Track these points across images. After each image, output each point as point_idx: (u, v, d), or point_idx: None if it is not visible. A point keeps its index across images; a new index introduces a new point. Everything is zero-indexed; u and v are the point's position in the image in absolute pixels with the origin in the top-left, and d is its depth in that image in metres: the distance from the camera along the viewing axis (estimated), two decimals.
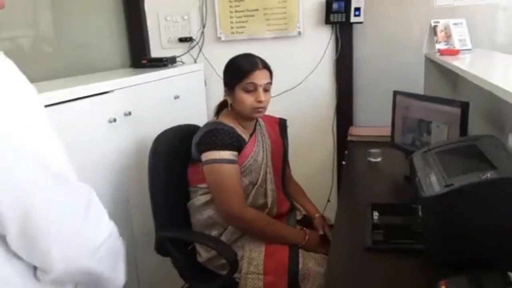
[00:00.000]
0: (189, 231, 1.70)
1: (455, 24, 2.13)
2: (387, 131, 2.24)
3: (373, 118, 2.47)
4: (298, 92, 2.58)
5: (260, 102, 1.60)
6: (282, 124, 1.85)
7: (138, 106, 1.89)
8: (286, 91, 2.57)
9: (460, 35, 2.12)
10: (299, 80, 2.57)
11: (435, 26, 2.15)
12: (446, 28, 2.14)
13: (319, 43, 2.52)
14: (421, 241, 1.13)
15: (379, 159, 1.93)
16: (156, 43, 2.69)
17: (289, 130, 1.90)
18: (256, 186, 1.65)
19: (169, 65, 2.41)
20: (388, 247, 1.16)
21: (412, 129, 1.74)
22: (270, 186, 1.67)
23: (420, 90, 2.25)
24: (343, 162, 2.34)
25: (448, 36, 2.15)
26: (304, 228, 1.71)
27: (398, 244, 1.16)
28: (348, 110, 2.56)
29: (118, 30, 2.61)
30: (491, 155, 1.17)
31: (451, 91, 2.25)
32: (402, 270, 1.09)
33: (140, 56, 2.57)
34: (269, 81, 1.65)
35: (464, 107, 1.44)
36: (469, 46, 2.11)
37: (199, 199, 1.65)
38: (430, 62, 2.24)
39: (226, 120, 1.65)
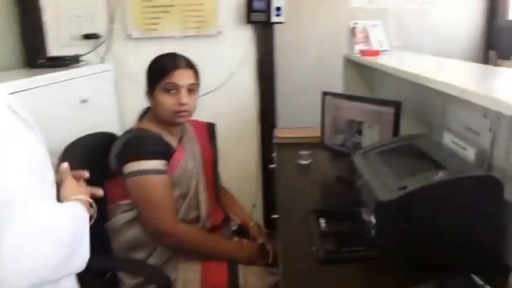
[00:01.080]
0: (108, 257, 1.47)
1: (373, 25, 2.19)
2: (313, 132, 2.23)
3: (297, 120, 2.45)
4: (220, 95, 2.45)
5: (182, 104, 1.45)
6: (210, 129, 1.71)
7: (36, 113, 1.59)
8: (206, 93, 2.41)
9: (377, 36, 2.18)
10: (220, 82, 2.44)
11: (353, 28, 2.18)
12: (364, 30, 2.19)
13: (240, 43, 2.42)
14: (375, 247, 1.09)
15: (309, 161, 1.89)
16: (55, 39, 2.35)
17: None
18: (188, 198, 1.49)
19: (72, 65, 2.11)
20: (342, 256, 1.09)
21: (342, 130, 1.72)
22: (202, 197, 1.52)
23: (339, 90, 2.28)
24: (270, 166, 2.28)
25: (366, 37, 2.20)
26: (243, 240, 1.60)
27: (352, 253, 1.10)
28: (272, 112, 2.50)
29: (9, 24, 2.23)
30: (434, 154, 1.17)
31: (368, 91, 2.31)
32: (360, 280, 1.03)
33: (36, 55, 2.22)
34: (193, 81, 1.50)
35: (397, 106, 1.45)
36: (387, 47, 2.18)
37: (119, 218, 1.44)
38: (349, 63, 2.28)
39: (150, 125, 1.47)
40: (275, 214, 1.62)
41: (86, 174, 1.06)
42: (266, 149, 2.53)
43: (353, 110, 1.66)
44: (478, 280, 0.87)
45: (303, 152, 1.90)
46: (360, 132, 1.63)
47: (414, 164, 1.19)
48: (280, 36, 2.43)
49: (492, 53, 2.53)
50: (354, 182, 1.33)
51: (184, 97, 1.45)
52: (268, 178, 2.56)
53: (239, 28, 2.39)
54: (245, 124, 2.53)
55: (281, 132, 2.31)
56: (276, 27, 2.39)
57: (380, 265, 1.05)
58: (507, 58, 2.37)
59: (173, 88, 1.44)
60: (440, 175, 0.99)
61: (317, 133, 2.21)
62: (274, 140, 2.26)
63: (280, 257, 1.17)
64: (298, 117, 2.44)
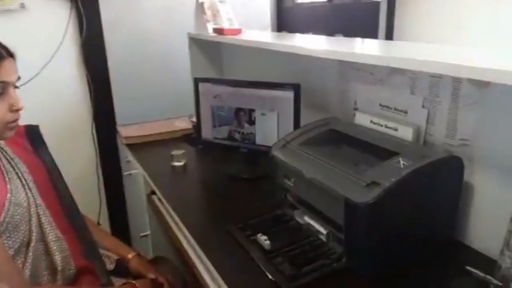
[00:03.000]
0: None
1: (221, 1, 1.97)
2: (167, 127, 1.91)
3: (138, 114, 2.05)
4: (32, 90, 1.83)
5: (18, 110, 1.00)
6: (31, 134, 1.20)
7: None
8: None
9: (227, 14, 1.99)
10: (30, 73, 1.83)
11: (202, 3, 1.93)
12: (213, 6, 1.96)
13: (55, 21, 1.85)
14: (344, 257, 0.93)
15: (183, 162, 1.59)
16: None
17: None
18: (32, 245, 1.02)
19: None
20: (312, 277, 0.89)
21: (226, 120, 1.48)
22: (52, 235, 1.06)
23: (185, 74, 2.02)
24: (126, 173, 1.87)
25: (214, 15, 1.97)
26: (130, 281, 1.21)
27: (317, 271, 0.91)
28: (109, 106, 2.03)
29: None
30: (368, 138, 1.08)
31: (218, 73, 2.12)
32: None
33: None
34: (18, 74, 1.04)
35: (296, 90, 1.30)
36: (237, 26, 2.01)
37: None
38: (196, 43, 2.02)
39: None
40: (126, 230, 1.30)
41: None
42: (106, 152, 2.06)
43: (239, 97, 1.44)
44: (478, 272, 0.82)
45: (177, 152, 1.59)
46: (251, 122, 1.43)
47: (356, 152, 1.08)
48: (110, 12, 1.96)
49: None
50: (275, 179, 1.14)
51: (17, 98, 0.99)
52: (115, 187, 2.11)
53: (51, 1, 1.82)
54: (76, 125, 2.00)
55: (127, 131, 1.90)
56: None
57: (353, 277, 0.90)
58: None
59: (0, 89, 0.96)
60: (404, 163, 0.90)
61: (174, 126, 1.92)
62: (125, 141, 1.84)
63: None
64: (140, 110, 2.06)
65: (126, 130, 1.90)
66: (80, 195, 2.05)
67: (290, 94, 1.32)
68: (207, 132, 1.55)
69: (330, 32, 2.13)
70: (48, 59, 1.86)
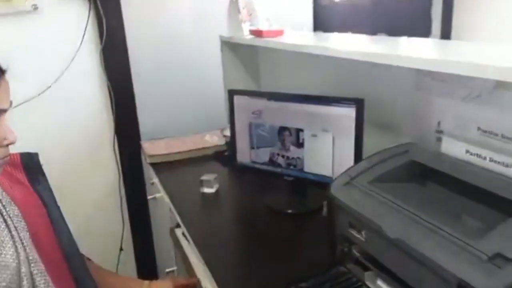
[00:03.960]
0: None
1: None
2: (199, 143, 1.67)
3: (165, 127, 1.83)
4: (47, 101, 1.64)
5: (9, 144, 0.78)
6: (28, 164, 0.95)
7: None
8: (25, 101, 1.59)
9: (264, 13, 1.72)
10: (44, 83, 1.62)
11: (236, 1, 1.67)
12: (248, 4, 1.70)
13: (72, 24, 1.65)
14: None
15: (215, 188, 1.34)
16: None
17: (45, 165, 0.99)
18: None
19: None
20: None
21: (267, 141, 1.22)
22: None
23: (218, 84, 1.78)
24: (150, 197, 1.64)
25: (250, 14, 1.71)
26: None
27: None
28: (132, 119, 1.81)
29: None
30: (471, 179, 0.79)
31: (255, 83, 1.87)
32: None
33: None
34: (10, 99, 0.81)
35: (359, 106, 1.02)
36: (277, 26, 1.74)
37: None
38: (228, 47, 1.77)
39: None
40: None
41: None
42: (129, 170, 1.84)
43: (283, 114, 1.17)
44: None
45: (207, 177, 1.34)
46: (298, 144, 1.16)
47: (455, 197, 0.79)
48: (131, 13, 1.74)
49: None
50: (334, 225, 0.87)
51: (10, 129, 0.76)
52: (139, 210, 1.89)
53: (67, 2, 1.61)
54: (95, 138, 1.79)
55: (152, 147, 1.66)
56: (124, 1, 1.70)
57: None
58: None
59: None
60: None
61: (204, 142, 1.67)
62: (148, 160, 1.61)
63: None
64: (166, 123, 1.83)
65: (151, 146, 1.67)
66: (101, 217, 1.87)
67: (350, 112, 1.04)
68: (244, 155, 1.29)
69: (372, 31, 1.83)
70: (64, 67, 1.65)
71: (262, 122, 1.22)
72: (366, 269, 0.84)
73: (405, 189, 0.83)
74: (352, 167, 0.92)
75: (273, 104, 1.18)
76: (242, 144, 1.28)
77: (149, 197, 1.63)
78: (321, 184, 1.13)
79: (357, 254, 0.86)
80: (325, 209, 1.14)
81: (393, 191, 0.80)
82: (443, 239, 0.65)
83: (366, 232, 0.79)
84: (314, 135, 1.12)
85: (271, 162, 1.23)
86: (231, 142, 1.31)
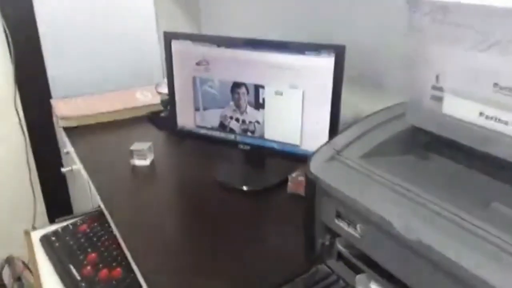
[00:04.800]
0: None
1: None
2: (126, 102, 1.35)
3: (83, 82, 1.48)
4: None
5: None
6: None
7: None
8: None
9: None
10: None
11: None
12: None
13: None
14: None
15: (149, 160, 1.07)
16: None
17: None
18: None
19: None
20: None
21: (217, 101, 0.96)
22: None
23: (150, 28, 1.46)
24: (65, 169, 1.32)
25: None
26: None
27: None
28: (38, 69, 1.43)
29: None
30: (498, 151, 0.59)
31: (195, 25, 1.57)
32: None
33: None
34: None
35: (339, 55, 0.79)
36: None
37: None
38: None
39: None
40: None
41: None
42: (38, 136, 1.49)
43: (238, 65, 0.91)
44: None
45: (138, 146, 1.06)
46: (257, 105, 0.91)
47: (476, 176, 0.59)
48: None
49: None
50: (313, 208, 0.65)
51: None
52: (54, 186, 1.56)
53: None
54: None
55: (65, 107, 1.33)
56: None
57: None
58: None
59: None
60: None
61: (134, 101, 1.36)
62: (60, 124, 1.28)
63: None
64: (85, 77, 1.48)
65: (64, 106, 1.33)
66: (6, 193, 1.51)
67: (327, 62, 0.80)
68: (187, 118, 1.02)
69: None
70: None
71: (209, 76, 0.95)
72: (357, 270, 0.64)
73: (411, 165, 0.63)
74: (336, 136, 0.69)
75: (225, 52, 0.91)
76: (184, 104, 1.00)
77: (63, 169, 1.30)
78: (286, 154, 0.91)
79: (343, 250, 0.66)
80: (290, 184, 0.93)
81: (395, 169, 0.59)
82: (477, 238, 0.45)
83: (362, 227, 0.58)
84: (279, 93, 0.88)
85: (222, 127, 0.97)
86: (170, 102, 1.02)
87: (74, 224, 1.05)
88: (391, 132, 0.67)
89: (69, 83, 1.46)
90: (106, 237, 1.00)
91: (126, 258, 0.82)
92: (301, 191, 0.90)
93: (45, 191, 1.54)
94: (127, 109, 1.34)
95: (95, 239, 1.00)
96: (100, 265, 0.91)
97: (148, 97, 1.41)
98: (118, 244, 0.89)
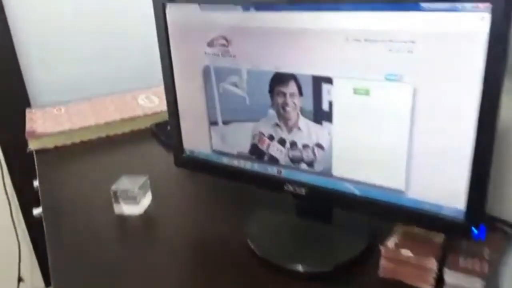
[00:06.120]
0: None
1: None
2: (121, 110, 0.97)
3: (65, 87, 1.11)
4: None
5: None
6: None
7: None
8: None
9: None
10: None
11: None
12: None
13: None
14: None
15: (142, 207, 0.68)
16: None
17: None
18: None
19: None
20: None
21: (246, 110, 0.55)
22: None
23: None
24: (35, 211, 0.96)
25: None
26: None
27: None
28: (14, 76, 1.08)
29: None
30: None
31: None
32: None
33: None
34: None
35: (500, 10, 0.36)
36: None
37: None
38: None
39: None
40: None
41: None
42: (14, 155, 1.14)
43: (284, 43, 0.49)
44: None
45: (125, 184, 0.67)
46: (320, 115, 0.49)
47: None
48: None
49: None
50: None
51: None
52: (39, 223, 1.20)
53: None
54: None
55: (43, 119, 0.96)
56: None
57: None
58: None
59: None
60: None
61: (127, 110, 0.98)
62: (31, 145, 0.91)
63: None
64: (66, 81, 1.11)
65: (40, 119, 0.96)
66: None
67: (472, 26, 0.37)
68: (197, 138, 0.61)
69: None
70: None
71: (231, 65, 0.53)
72: None
73: None
74: None
75: (257, 19, 0.49)
76: (192, 115, 0.60)
77: (35, 211, 0.93)
78: (376, 205, 0.49)
79: None
80: (384, 262, 0.50)
81: None
82: None
83: None
84: (362, 91, 0.46)
85: (256, 153, 0.56)
86: (170, 112, 0.62)
87: None
88: None
89: (56, 87, 1.10)
90: None
91: None
92: (405, 275, 0.48)
93: (31, 231, 1.19)
94: (124, 121, 0.95)
95: None
96: None
97: (154, 102, 1.02)
98: None
